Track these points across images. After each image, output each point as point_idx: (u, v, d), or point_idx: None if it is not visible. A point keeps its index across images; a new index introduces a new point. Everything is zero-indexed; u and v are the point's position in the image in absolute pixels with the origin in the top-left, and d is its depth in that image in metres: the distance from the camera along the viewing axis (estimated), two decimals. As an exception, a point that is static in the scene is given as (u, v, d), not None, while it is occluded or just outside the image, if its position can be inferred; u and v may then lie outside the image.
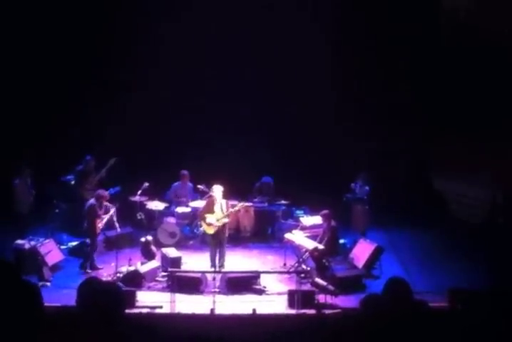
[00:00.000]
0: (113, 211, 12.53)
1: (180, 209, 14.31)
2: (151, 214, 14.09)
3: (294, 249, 12.78)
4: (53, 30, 15.46)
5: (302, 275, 11.68)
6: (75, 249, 13.31)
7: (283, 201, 14.62)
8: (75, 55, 15.66)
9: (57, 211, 13.95)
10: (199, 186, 13.86)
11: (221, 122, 16.17)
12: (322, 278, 11.29)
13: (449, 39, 15.99)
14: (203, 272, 11.72)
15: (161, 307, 10.61)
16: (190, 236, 14.27)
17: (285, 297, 11.01)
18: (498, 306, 6.20)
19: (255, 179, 15.09)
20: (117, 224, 12.57)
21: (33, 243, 12.39)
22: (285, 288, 11.47)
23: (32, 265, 11.79)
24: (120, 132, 15.05)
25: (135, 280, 11.55)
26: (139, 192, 13.65)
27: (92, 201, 12.42)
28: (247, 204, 13.94)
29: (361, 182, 13.97)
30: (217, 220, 12.35)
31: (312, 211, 13.86)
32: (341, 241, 13.36)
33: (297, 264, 12.38)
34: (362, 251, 12.76)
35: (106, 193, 12.61)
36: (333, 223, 12.59)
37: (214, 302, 10.46)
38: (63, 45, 15.64)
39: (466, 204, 15.45)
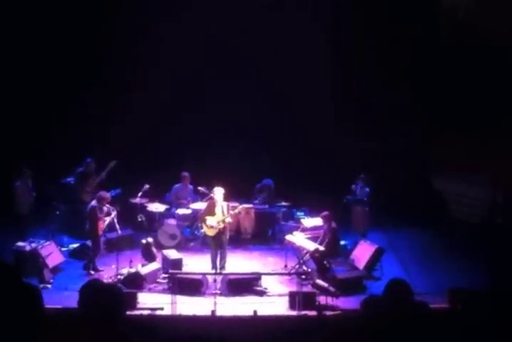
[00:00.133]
0: (114, 213, 12.51)
1: (180, 211, 14.26)
2: (152, 216, 14.08)
3: (295, 250, 12.76)
4: (53, 31, 15.45)
5: (303, 276, 11.61)
6: (75, 250, 13.30)
7: (283, 203, 14.59)
8: (75, 56, 15.66)
9: (57, 213, 13.95)
10: (199, 188, 13.85)
11: (221, 122, 16.16)
12: (323, 280, 11.29)
13: (449, 38, 15.98)
14: (204, 274, 11.72)
15: (162, 309, 10.58)
16: (191, 238, 14.23)
17: (286, 298, 11.02)
18: (498, 306, 6.20)
19: (255, 181, 15.07)
20: (117, 226, 12.52)
21: (33, 245, 12.38)
22: (286, 289, 11.48)
23: (33, 267, 11.79)
24: (120, 133, 15.04)
25: (136, 282, 11.53)
26: (139, 194, 13.67)
27: (94, 203, 12.38)
28: (247, 206, 13.94)
29: (361, 184, 13.96)
30: (218, 222, 12.34)
31: (313, 212, 13.82)
32: (342, 242, 13.37)
33: (297, 266, 12.37)
34: (363, 253, 12.75)
35: (108, 195, 12.56)
36: (333, 224, 12.58)
37: (215, 304, 10.49)
38: (64, 45, 15.63)
39: (465, 204, 15.42)
